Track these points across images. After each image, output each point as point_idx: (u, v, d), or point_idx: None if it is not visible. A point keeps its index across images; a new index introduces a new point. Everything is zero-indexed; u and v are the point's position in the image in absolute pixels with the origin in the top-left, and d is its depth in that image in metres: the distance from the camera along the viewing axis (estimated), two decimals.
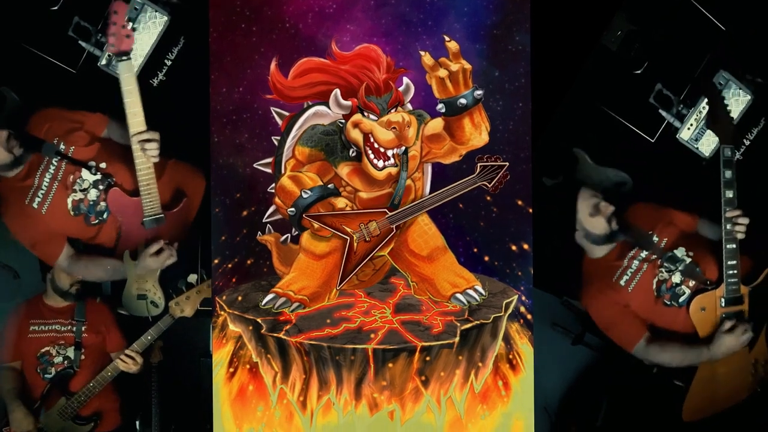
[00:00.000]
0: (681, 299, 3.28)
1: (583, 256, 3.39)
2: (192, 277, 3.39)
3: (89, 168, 3.26)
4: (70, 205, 3.28)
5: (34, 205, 3.25)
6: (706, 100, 3.39)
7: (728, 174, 3.22)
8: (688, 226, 3.39)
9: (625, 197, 3.43)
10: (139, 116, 3.16)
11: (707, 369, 3.33)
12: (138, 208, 3.32)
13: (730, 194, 3.21)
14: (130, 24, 3.14)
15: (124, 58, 3.08)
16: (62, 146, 3.22)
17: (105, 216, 3.34)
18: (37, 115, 3.25)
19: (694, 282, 3.29)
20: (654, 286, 3.30)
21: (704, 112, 3.46)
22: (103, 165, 3.29)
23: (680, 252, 3.29)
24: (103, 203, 3.31)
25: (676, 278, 3.29)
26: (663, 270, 3.30)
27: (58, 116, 3.27)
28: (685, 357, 3.28)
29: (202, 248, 3.47)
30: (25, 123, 3.23)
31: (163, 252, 3.38)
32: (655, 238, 3.34)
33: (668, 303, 3.29)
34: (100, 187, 3.29)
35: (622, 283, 3.30)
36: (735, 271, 3.23)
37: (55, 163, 3.24)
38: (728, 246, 3.21)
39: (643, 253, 3.32)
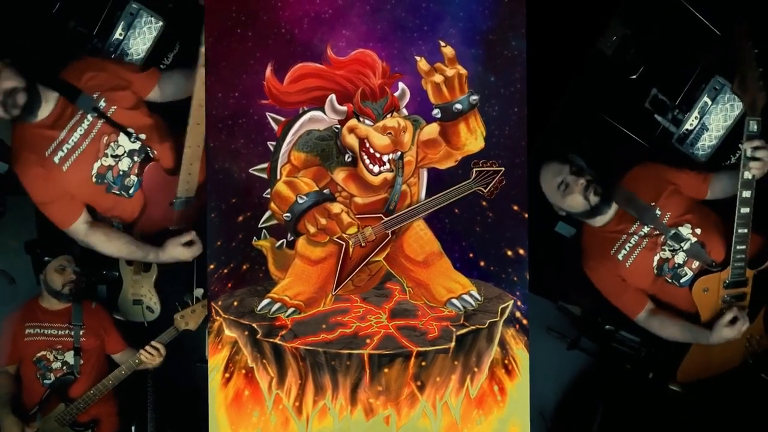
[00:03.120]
0: (682, 280, 3.23)
1: (583, 224, 3.37)
2: (198, 291, 3.38)
3: (128, 134, 3.05)
4: (95, 170, 3.08)
5: (56, 159, 2.99)
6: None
7: (750, 151, 2.98)
8: (697, 192, 3.26)
9: (621, 163, 3.37)
10: (201, 86, 2.94)
11: None
12: (170, 189, 3.16)
13: (749, 175, 2.99)
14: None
15: None
16: (102, 103, 3.01)
17: (132, 191, 3.15)
18: (77, 62, 3.05)
19: (698, 263, 3.21)
20: (654, 264, 3.24)
21: (701, 116, 3.46)
22: (142, 136, 3.09)
23: (686, 230, 3.19)
24: (133, 176, 3.12)
25: (679, 258, 3.21)
26: (666, 248, 3.22)
27: (103, 68, 3.08)
28: (684, 335, 3.25)
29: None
30: (60, 67, 2.99)
31: (195, 245, 3.20)
32: (658, 212, 3.21)
33: (669, 281, 3.25)
34: (135, 158, 3.09)
35: (620, 257, 3.23)
36: (743, 256, 3.12)
37: (90, 119, 3.00)
38: (740, 230, 3.06)
39: (645, 229, 3.22)
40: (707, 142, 3.52)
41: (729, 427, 3.43)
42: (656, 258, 3.24)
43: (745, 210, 3.05)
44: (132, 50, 3.36)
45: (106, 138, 3.04)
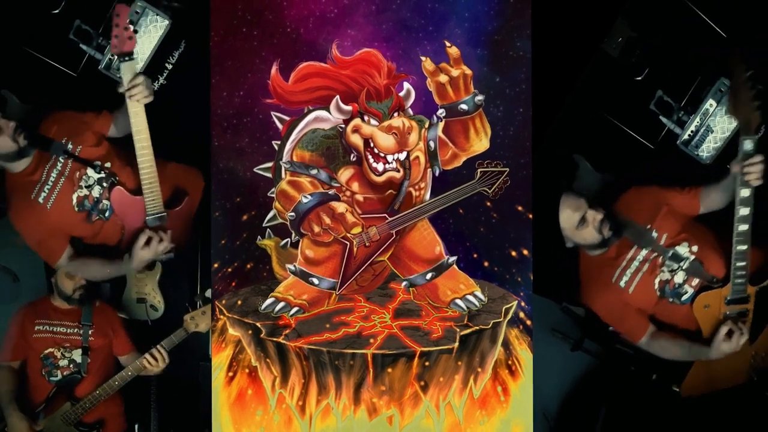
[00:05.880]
0: (684, 298, 3.23)
1: (580, 252, 3.36)
2: (210, 292, 3.39)
3: (94, 167, 3.27)
4: (74, 201, 3.27)
5: (40, 199, 3.24)
6: (726, 85, 3.31)
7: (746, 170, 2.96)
8: (690, 208, 3.25)
9: (616, 188, 3.37)
10: (141, 116, 3.14)
11: None
12: (140, 207, 3.29)
13: (746, 193, 2.98)
14: (132, 26, 3.14)
15: (127, 58, 3.10)
16: (70, 145, 3.24)
17: (107, 215, 3.32)
18: (48, 118, 3.28)
19: (698, 280, 3.21)
20: (656, 287, 3.23)
21: (705, 118, 3.46)
22: (108, 165, 3.29)
23: (683, 249, 3.19)
24: (106, 201, 3.29)
25: (679, 278, 3.22)
26: (665, 269, 3.23)
27: (66, 117, 3.30)
28: (684, 354, 3.26)
29: (202, 252, 3.49)
30: (37, 125, 3.24)
31: (153, 240, 3.28)
32: (654, 234, 3.21)
33: (671, 301, 3.26)
34: (104, 184, 3.29)
35: (621, 284, 3.23)
36: (744, 272, 3.11)
37: (62, 161, 3.25)
38: (738, 248, 3.06)
39: (643, 252, 3.22)
40: (712, 144, 3.51)
41: (725, 402, 3.44)
42: (657, 280, 3.25)
43: (743, 227, 3.04)
44: (137, 49, 3.36)
45: (77, 173, 3.26)
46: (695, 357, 3.26)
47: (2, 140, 3.11)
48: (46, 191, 3.24)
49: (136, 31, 3.15)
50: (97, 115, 3.32)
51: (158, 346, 3.41)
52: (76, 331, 3.54)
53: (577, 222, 3.15)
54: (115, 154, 3.33)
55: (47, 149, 3.22)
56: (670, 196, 3.26)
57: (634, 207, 3.27)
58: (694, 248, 3.21)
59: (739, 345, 3.16)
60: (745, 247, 3.06)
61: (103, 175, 3.28)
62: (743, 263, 3.10)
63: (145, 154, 3.18)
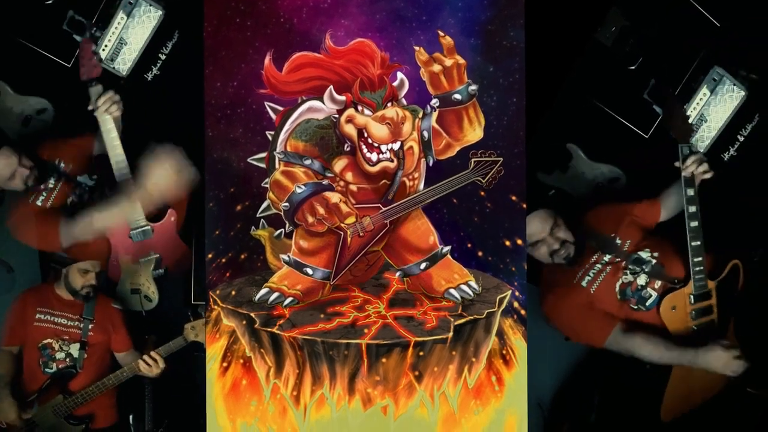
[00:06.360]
0: (648, 302, 3.28)
1: (543, 264, 3.41)
2: (202, 308, 3.41)
3: (80, 182, 3.47)
4: (69, 204, 3.46)
5: (38, 202, 3.44)
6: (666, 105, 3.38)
7: (688, 171, 3.16)
8: (652, 216, 3.37)
9: (583, 205, 3.49)
10: (113, 132, 3.29)
11: (683, 367, 3.34)
12: (124, 221, 3.46)
13: (691, 192, 3.16)
14: (95, 56, 3.28)
15: (95, 83, 3.26)
16: (62, 165, 3.45)
17: None
18: (40, 146, 3.46)
19: (660, 283, 3.28)
20: (617, 289, 3.31)
21: (699, 107, 3.47)
22: (95, 176, 3.49)
23: (645, 254, 3.29)
24: None
25: (641, 280, 3.28)
26: (628, 272, 3.29)
27: (55, 143, 3.49)
28: (664, 355, 3.28)
29: (196, 243, 3.49)
30: (35, 152, 3.43)
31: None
32: (618, 241, 3.32)
33: (635, 307, 3.30)
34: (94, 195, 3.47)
35: (583, 284, 3.29)
36: (701, 268, 3.23)
37: (56, 176, 3.45)
38: (693, 243, 3.19)
39: (606, 257, 3.31)
40: (706, 133, 3.52)
41: (710, 414, 3.46)
42: (618, 283, 3.32)
43: (694, 223, 3.21)
44: (131, 39, 3.37)
45: (72, 184, 3.50)
46: (676, 360, 3.29)
47: (15, 182, 3.36)
48: (44, 195, 3.43)
49: (100, 60, 3.33)
50: (81, 137, 3.49)
51: (154, 352, 3.42)
52: (76, 324, 3.55)
53: (535, 242, 3.30)
54: (102, 169, 3.47)
55: (44, 170, 3.43)
56: (632, 207, 3.38)
57: (600, 219, 3.38)
58: (656, 254, 3.31)
59: (734, 367, 3.21)
60: (698, 243, 3.21)
61: (92, 184, 3.48)
62: (699, 258, 3.23)
63: (122, 168, 3.32)
